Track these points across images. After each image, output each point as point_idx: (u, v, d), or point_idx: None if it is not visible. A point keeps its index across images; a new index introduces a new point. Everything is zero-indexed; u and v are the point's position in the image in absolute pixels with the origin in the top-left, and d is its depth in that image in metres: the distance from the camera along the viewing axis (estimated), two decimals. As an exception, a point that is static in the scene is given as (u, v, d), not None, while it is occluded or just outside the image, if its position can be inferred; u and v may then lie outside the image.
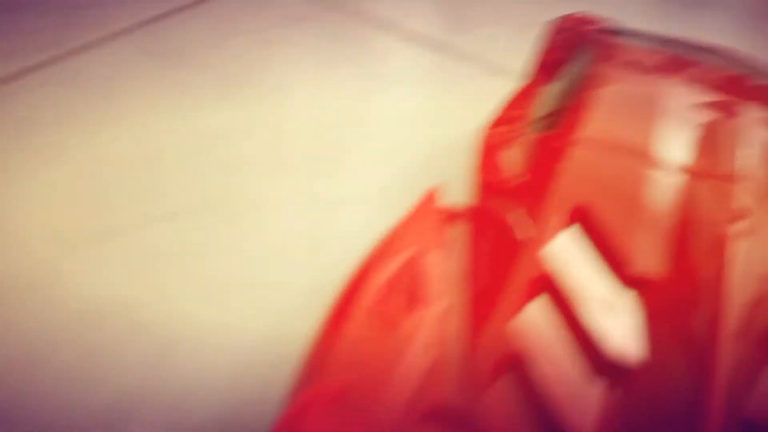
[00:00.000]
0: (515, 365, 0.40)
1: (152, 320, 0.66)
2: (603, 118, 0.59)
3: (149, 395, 0.60)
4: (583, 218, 0.50)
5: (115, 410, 0.58)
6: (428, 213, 0.52)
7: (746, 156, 0.57)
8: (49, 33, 1.11)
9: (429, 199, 0.54)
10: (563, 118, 0.61)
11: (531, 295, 0.44)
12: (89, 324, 0.65)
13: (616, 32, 0.80)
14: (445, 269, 0.47)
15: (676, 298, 0.42)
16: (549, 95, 0.71)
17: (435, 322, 0.43)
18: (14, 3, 1.18)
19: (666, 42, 0.77)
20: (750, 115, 0.63)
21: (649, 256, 0.45)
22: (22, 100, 0.95)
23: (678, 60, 0.71)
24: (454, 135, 0.92)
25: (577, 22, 0.84)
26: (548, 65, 0.78)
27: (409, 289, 0.45)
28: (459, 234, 0.52)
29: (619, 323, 0.41)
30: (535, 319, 0.42)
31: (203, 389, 0.60)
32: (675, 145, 0.57)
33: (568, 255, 0.46)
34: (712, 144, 0.58)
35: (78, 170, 0.83)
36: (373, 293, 0.44)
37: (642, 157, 0.55)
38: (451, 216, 0.54)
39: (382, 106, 0.99)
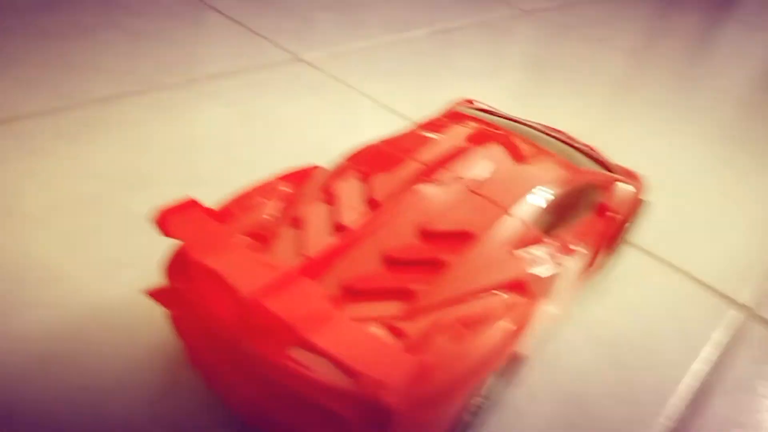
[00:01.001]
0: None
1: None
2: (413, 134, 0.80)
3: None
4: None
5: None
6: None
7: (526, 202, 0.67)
8: None
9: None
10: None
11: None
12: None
13: (484, 110, 0.95)
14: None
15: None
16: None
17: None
18: None
19: (513, 120, 0.91)
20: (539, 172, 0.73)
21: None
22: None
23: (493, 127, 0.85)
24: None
25: (465, 101, 1.01)
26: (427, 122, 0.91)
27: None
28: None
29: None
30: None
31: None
32: (469, 168, 0.70)
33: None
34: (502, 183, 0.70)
35: None
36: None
37: (415, 159, 0.71)
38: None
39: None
